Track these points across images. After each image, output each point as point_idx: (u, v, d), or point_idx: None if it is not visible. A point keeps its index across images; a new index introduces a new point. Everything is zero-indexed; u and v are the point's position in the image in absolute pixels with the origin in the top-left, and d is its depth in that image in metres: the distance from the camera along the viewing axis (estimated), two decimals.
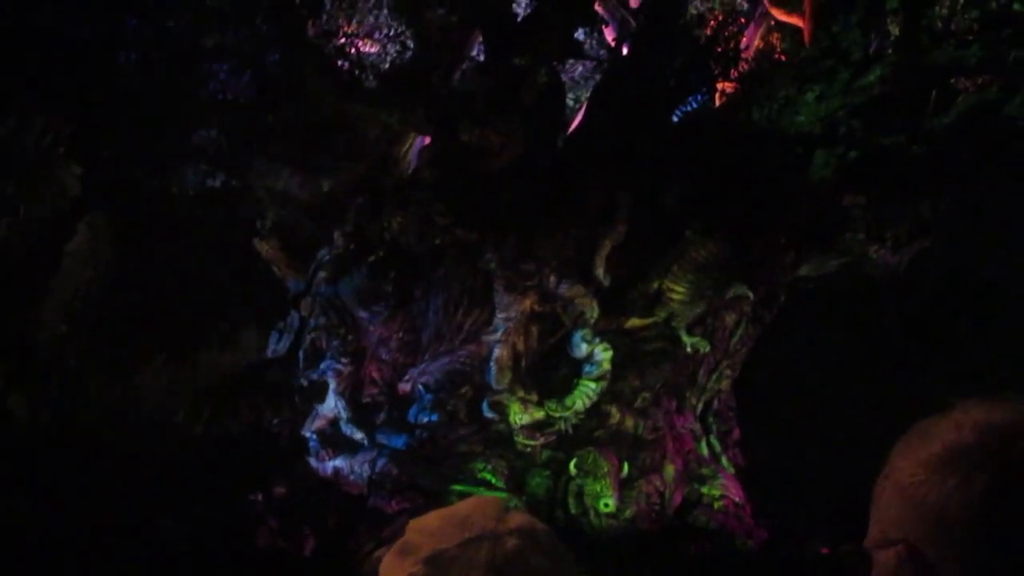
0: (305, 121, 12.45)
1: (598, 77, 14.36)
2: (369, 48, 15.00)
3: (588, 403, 11.70)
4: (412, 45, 13.88)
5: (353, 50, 14.01)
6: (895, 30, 12.28)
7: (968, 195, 12.52)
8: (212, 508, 11.57)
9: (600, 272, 11.84)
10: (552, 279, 11.72)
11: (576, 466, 11.65)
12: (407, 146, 12.99)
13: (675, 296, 12.02)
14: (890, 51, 12.11)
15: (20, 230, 11.86)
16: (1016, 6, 11.46)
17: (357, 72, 13.42)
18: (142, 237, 12.79)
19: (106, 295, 12.25)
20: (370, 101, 12.60)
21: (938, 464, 2.23)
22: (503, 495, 11.44)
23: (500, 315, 11.69)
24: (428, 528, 2.80)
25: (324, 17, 13.72)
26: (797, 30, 13.31)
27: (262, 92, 12.59)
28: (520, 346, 11.76)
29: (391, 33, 15.40)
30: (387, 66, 14.70)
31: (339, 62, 13.31)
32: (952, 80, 12.20)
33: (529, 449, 11.73)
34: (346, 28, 14.31)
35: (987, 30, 11.61)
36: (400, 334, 12.01)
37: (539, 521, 2.85)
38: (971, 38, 11.71)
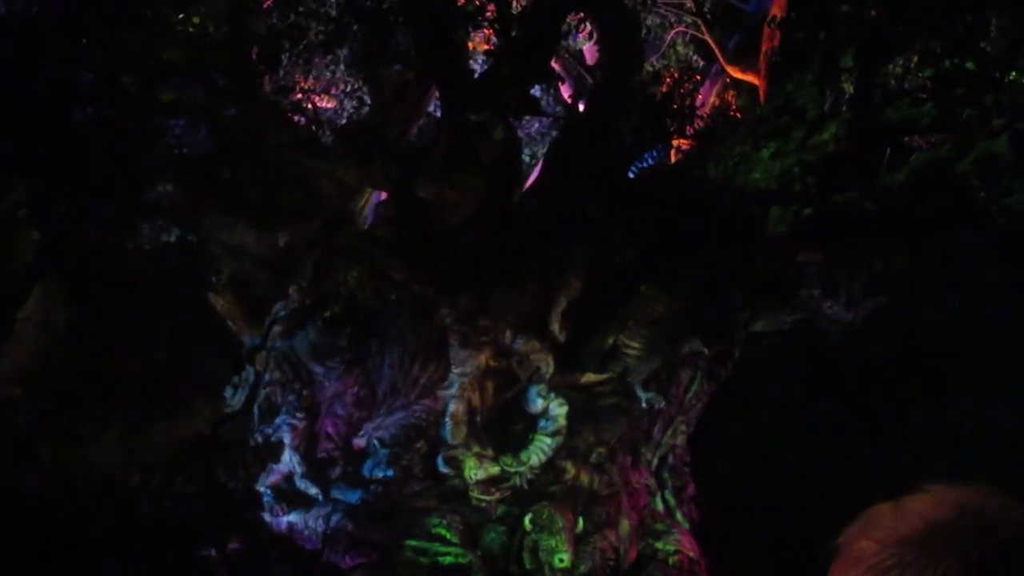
0: (261, 176, 12.44)
1: (554, 133, 14.43)
2: (326, 103, 15.04)
3: (543, 458, 11.67)
4: (369, 101, 13.93)
5: (310, 105, 14.04)
6: (849, 88, 12.38)
7: (922, 251, 12.57)
8: (165, 564, 11.49)
9: (556, 327, 11.86)
10: (508, 334, 11.72)
11: (531, 521, 11.59)
12: (364, 201, 13.03)
13: (630, 351, 12.04)
14: (844, 109, 12.22)
15: None
16: (969, 65, 11.55)
17: (314, 127, 13.45)
18: (97, 297, 12.74)
19: (60, 359, 12.20)
20: (327, 156, 12.63)
21: (922, 545, 2.19)
22: (457, 551, 11.44)
23: (456, 370, 11.68)
24: None
25: (281, 72, 13.74)
26: (752, 87, 13.42)
27: (218, 147, 12.58)
28: (476, 401, 11.74)
29: (348, 89, 15.45)
30: (344, 121, 14.75)
31: (296, 117, 13.33)
32: (906, 138, 12.29)
33: (484, 504, 11.68)
34: (302, 83, 14.35)
35: (940, 89, 11.70)
36: (355, 389, 11.98)
37: None
38: (924, 97, 11.82)
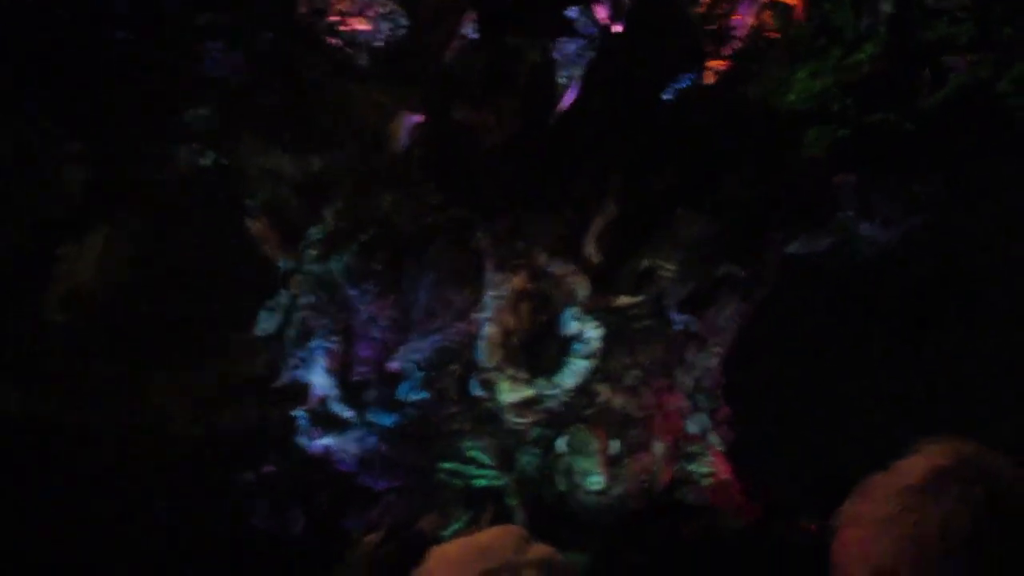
0: (296, 100, 12.42)
1: (590, 55, 14.33)
2: (361, 26, 14.96)
3: (578, 381, 11.70)
4: (405, 23, 13.86)
5: (345, 28, 13.96)
6: (887, 7, 12.25)
7: (960, 174, 12.48)
8: (203, 488, 11.59)
9: (591, 250, 11.84)
10: (543, 257, 11.72)
11: (565, 444, 11.66)
12: (399, 124, 12.97)
13: (665, 274, 12.01)
14: (882, 28, 12.09)
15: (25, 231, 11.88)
16: None
17: (349, 50, 13.39)
18: (144, 230, 12.79)
19: (115, 289, 12.27)
20: (362, 80, 12.59)
21: (924, 490, 2.21)
22: (491, 474, 11.50)
23: (490, 293, 11.69)
24: (448, 557, 2.83)
25: None
26: (789, 8, 13.27)
27: (253, 71, 12.55)
28: (510, 324, 11.75)
29: (383, 11, 15.37)
30: (379, 44, 14.68)
31: (331, 40, 13.27)
32: (944, 58, 12.17)
33: (519, 427, 11.74)
34: (338, 6, 14.27)
35: (979, 7, 11.59)
36: (390, 312, 12.00)
37: (558, 553, 2.87)
38: (963, 15, 11.69)
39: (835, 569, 2.37)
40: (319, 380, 12.07)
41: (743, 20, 14.20)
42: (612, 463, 11.71)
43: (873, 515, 2.28)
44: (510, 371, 11.66)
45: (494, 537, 2.83)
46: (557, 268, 11.72)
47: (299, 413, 12.09)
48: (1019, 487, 2.22)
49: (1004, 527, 2.14)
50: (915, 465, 2.31)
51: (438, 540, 10.90)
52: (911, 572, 2.19)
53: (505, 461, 11.68)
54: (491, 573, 2.65)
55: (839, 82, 11.95)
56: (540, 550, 2.77)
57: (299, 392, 12.16)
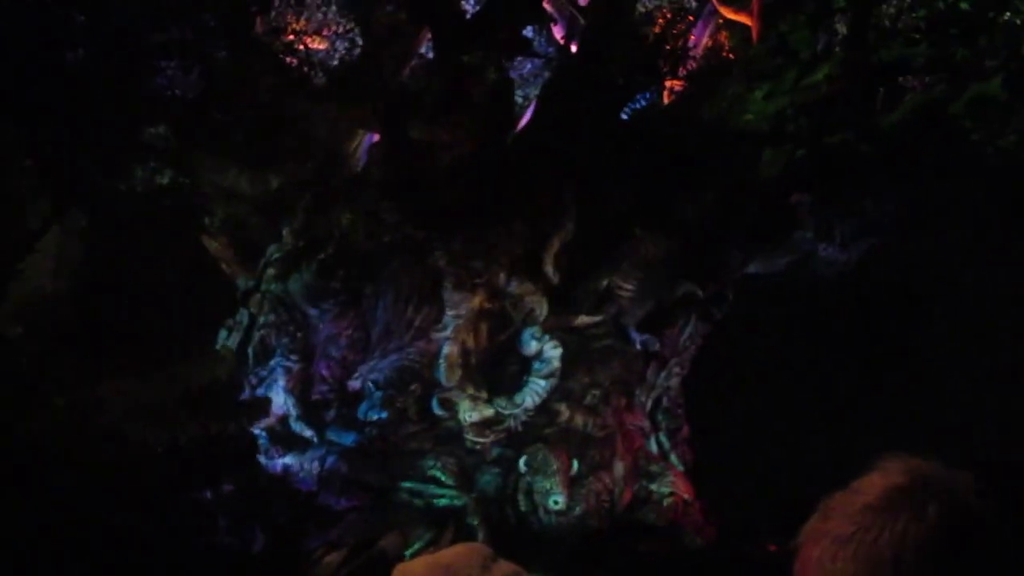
0: (253, 118, 12.39)
1: (547, 74, 14.38)
2: (317, 45, 14.96)
3: (538, 400, 11.73)
4: (361, 42, 13.86)
5: (302, 47, 13.96)
6: (843, 28, 12.37)
7: (915, 194, 12.59)
8: (163, 506, 11.53)
9: (550, 269, 11.87)
10: (502, 276, 11.74)
11: (526, 463, 11.68)
12: (356, 143, 12.97)
13: (624, 293, 12.05)
14: (838, 49, 12.20)
15: None
16: (963, 5, 11.55)
17: (306, 69, 13.39)
18: (100, 240, 12.74)
19: (66, 300, 12.22)
20: (319, 98, 12.58)
21: (880, 508, 2.25)
22: (452, 493, 11.51)
23: (450, 312, 11.70)
24: (413, 574, 2.81)
25: (272, 14, 13.67)
26: (745, 28, 13.35)
27: (210, 89, 12.51)
28: (470, 343, 11.76)
29: (340, 30, 15.38)
30: (336, 63, 14.69)
31: (287, 59, 13.26)
32: (899, 79, 12.29)
33: (479, 446, 11.75)
34: (294, 25, 14.28)
35: (934, 29, 11.69)
36: (349, 331, 12.00)
37: (524, 571, 2.86)
38: (918, 37, 11.80)
39: None
40: (278, 399, 12.05)
41: (699, 40, 14.30)
42: (573, 483, 11.72)
43: (831, 534, 2.30)
44: (470, 390, 11.66)
45: (459, 555, 2.83)
46: (516, 287, 11.74)
47: (259, 431, 12.05)
48: (973, 503, 2.25)
49: (958, 542, 2.17)
50: (873, 484, 2.33)
51: (400, 559, 10.88)
52: None
53: (466, 480, 11.68)
54: None
55: (795, 102, 12.03)
56: (506, 568, 2.77)
57: (259, 409, 12.14)
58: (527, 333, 11.80)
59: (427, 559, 2.93)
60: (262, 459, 12.01)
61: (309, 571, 11.18)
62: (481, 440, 11.72)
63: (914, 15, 12.25)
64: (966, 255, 13.27)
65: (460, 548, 2.98)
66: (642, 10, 15.03)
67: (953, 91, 11.68)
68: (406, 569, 2.87)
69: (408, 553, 10.77)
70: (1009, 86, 11.37)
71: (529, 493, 11.65)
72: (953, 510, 2.24)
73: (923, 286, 13.67)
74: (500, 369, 11.97)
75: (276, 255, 12.32)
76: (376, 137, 12.70)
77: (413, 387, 11.76)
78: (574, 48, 13.58)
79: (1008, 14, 11.68)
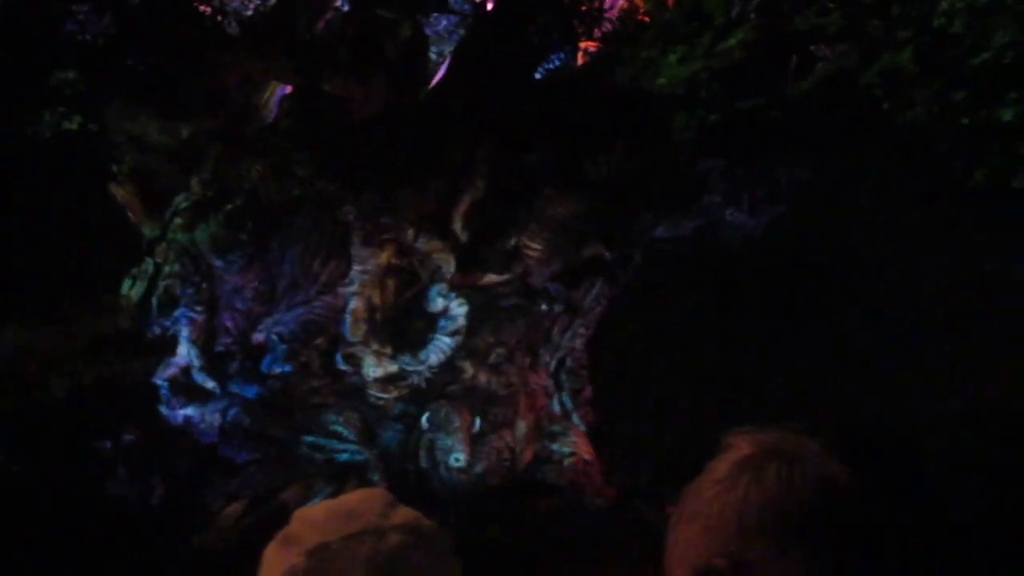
0: (165, 66, 12.28)
1: (461, 32, 14.32)
2: None
3: (442, 358, 11.76)
4: None
5: None
6: None
7: (824, 161, 12.67)
8: (60, 454, 11.47)
9: (458, 227, 11.86)
10: (410, 233, 11.73)
11: (428, 420, 11.71)
12: (268, 95, 12.87)
13: (532, 253, 12.06)
14: (752, 16, 12.23)
15: None
16: None
17: (219, 18, 13.26)
18: (4, 186, 12.63)
19: None
20: (232, 48, 12.48)
21: (726, 477, 2.28)
22: (354, 448, 11.52)
23: (357, 267, 11.68)
24: (313, 519, 2.80)
25: None
26: None
27: (122, 35, 12.38)
28: (376, 299, 11.75)
29: None
30: (250, 13, 14.56)
31: (201, 8, 13.14)
32: (812, 47, 12.33)
33: (382, 402, 11.77)
34: None
35: None
36: (255, 283, 11.94)
37: (424, 517, 2.86)
38: (832, 6, 11.86)
39: (666, 572, 2.42)
40: (182, 349, 11.98)
41: (615, 3, 14.29)
42: (475, 440, 11.77)
43: (685, 515, 2.33)
44: (375, 346, 11.67)
45: (360, 500, 2.82)
46: (424, 244, 11.73)
47: (160, 382, 11.98)
48: (814, 463, 2.28)
49: (798, 500, 2.21)
50: (722, 460, 2.36)
51: None
52: (721, 558, 2.25)
53: (368, 436, 11.69)
54: (356, 535, 2.65)
55: (708, 67, 12.06)
56: (405, 513, 2.77)
57: (161, 356, 12.08)
58: (434, 290, 11.80)
59: (328, 503, 2.92)
60: (163, 410, 11.94)
61: (209, 523, 11.17)
62: (384, 396, 11.73)
63: None
64: (872, 223, 13.37)
65: (361, 493, 2.96)
66: None
67: (865, 61, 11.74)
68: (306, 514, 2.86)
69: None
70: (920, 57, 11.44)
71: (431, 450, 11.69)
72: (793, 470, 2.27)
73: (829, 253, 13.75)
74: (406, 325, 11.97)
75: (184, 205, 12.21)
76: (288, 89, 12.61)
77: (318, 341, 11.76)
78: (490, 6, 13.53)
79: None
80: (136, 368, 12.18)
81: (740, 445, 2.35)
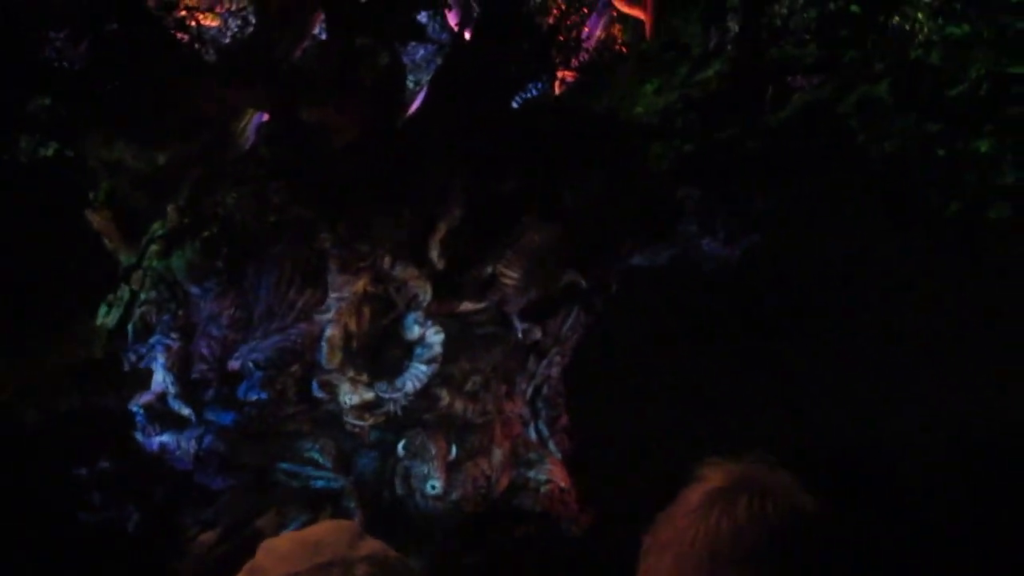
0: (142, 93, 12.28)
1: (439, 61, 14.37)
2: (210, 22, 14.85)
3: (419, 385, 11.73)
4: (254, 21, 13.79)
5: (193, 23, 13.85)
6: (734, 26, 12.47)
7: (799, 191, 12.72)
8: (35, 481, 11.42)
9: (435, 255, 11.87)
10: (386, 260, 11.72)
11: (404, 447, 11.70)
12: (245, 122, 12.89)
13: (508, 281, 12.06)
14: (729, 47, 12.31)
15: None
16: (853, 8, 11.69)
17: (197, 46, 13.28)
18: None
19: None
20: (209, 75, 12.49)
21: (698, 507, 2.31)
22: (329, 475, 11.50)
23: (333, 295, 11.66)
24: (279, 551, 2.79)
25: None
26: (639, 22, 13.44)
27: (99, 62, 12.38)
28: (352, 326, 11.74)
29: (233, 8, 15.28)
30: (228, 41, 14.59)
31: (179, 35, 13.15)
32: (788, 78, 12.40)
33: (358, 430, 11.75)
34: (187, 1, 14.16)
35: (824, 30, 11.84)
36: (231, 310, 11.91)
37: (392, 549, 2.86)
38: (808, 37, 11.95)
39: None
40: (157, 376, 11.96)
41: (593, 32, 14.38)
42: (450, 468, 11.76)
43: (658, 545, 2.35)
44: (351, 373, 11.65)
45: (326, 531, 2.82)
46: (401, 272, 11.73)
47: (136, 409, 11.95)
48: (786, 495, 2.30)
49: (768, 532, 2.23)
50: (694, 491, 2.39)
51: None
52: None
53: (344, 463, 11.68)
54: (323, 567, 2.65)
55: (685, 97, 12.13)
56: (372, 545, 2.77)
57: (138, 385, 12.05)
58: (410, 318, 11.80)
59: (294, 535, 2.91)
60: (139, 436, 11.90)
61: (184, 550, 11.14)
62: (360, 423, 11.72)
63: (805, 15, 12.37)
64: (847, 253, 13.43)
65: (328, 524, 2.96)
66: (536, 0, 15.07)
67: (841, 92, 11.82)
68: (272, 545, 2.84)
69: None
70: (895, 89, 11.53)
71: (407, 477, 11.67)
72: (764, 502, 2.30)
73: (804, 282, 13.79)
74: (382, 353, 11.96)
75: (160, 232, 12.20)
76: (266, 117, 12.62)
77: (294, 368, 11.73)
78: (467, 36, 13.58)
79: (897, 18, 11.83)
80: (111, 395, 12.15)
81: (712, 476, 2.38)
